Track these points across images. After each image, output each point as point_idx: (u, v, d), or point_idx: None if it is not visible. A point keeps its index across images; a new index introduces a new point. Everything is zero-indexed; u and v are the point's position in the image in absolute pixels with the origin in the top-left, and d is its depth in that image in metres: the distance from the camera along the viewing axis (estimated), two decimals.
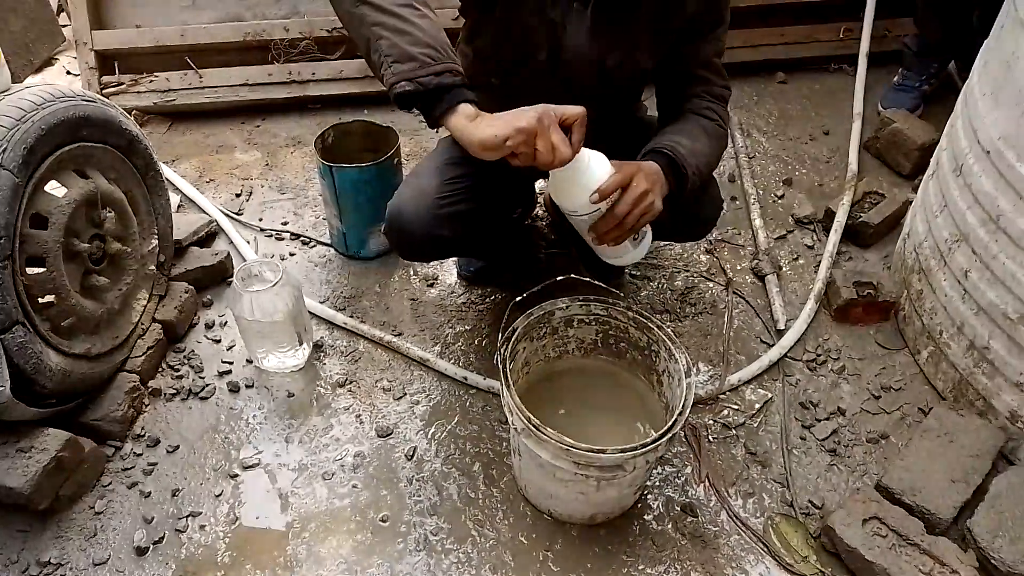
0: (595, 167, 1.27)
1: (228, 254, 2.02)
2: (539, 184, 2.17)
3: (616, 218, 1.29)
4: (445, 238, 1.52)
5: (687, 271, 2.08)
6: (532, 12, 1.39)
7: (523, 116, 1.15)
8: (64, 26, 2.93)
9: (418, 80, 1.15)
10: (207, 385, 1.76)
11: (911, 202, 2.10)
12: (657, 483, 1.59)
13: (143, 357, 1.72)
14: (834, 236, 2.10)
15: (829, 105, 2.69)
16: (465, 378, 1.77)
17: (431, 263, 2.08)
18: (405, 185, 1.58)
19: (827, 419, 1.71)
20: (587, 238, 1.39)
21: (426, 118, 1.22)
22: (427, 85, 1.16)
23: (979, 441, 1.56)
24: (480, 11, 1.46)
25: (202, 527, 1.51)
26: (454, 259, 2.05)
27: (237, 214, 2.23)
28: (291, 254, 2.13)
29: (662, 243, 2.16)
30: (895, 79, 2.62)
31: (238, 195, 2.31)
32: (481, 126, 1.17)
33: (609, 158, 1.41)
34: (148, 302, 1.79)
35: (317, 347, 1.85)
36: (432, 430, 1.69)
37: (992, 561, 1.38)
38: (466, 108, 1.19)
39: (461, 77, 1.19)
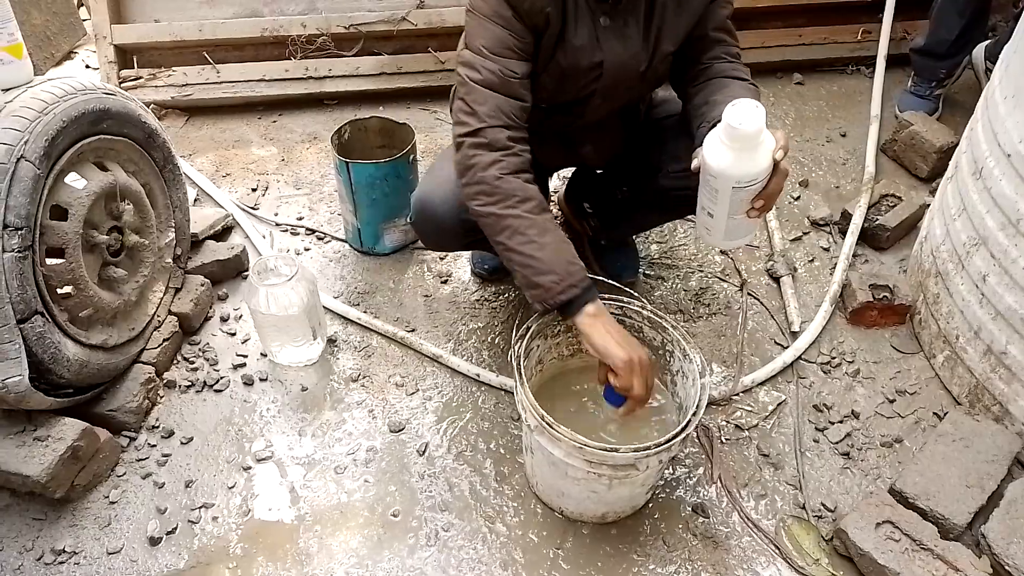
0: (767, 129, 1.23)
1: (244, 248, 2.03)
2: (553, 184, 2.17)
3: (786, 173, 1.29)
4: (472, 225, 1.53)
5: (701, 271, 2.07)
6: (569, 49, 1.41)
7: (635, 351, 1.33)
8: (84, 20, 2.96)
9: (547, 303, 1.35)
10: (221, 378, 1.77)
11: (928, 205, 2.08)
12: (669, 483, 1.59)
13: (159, 349, 1.74)
14: (850, 238, 2.09)
15: (846, 107, 2.67)
16: (478, 375, 1.78)
17: (445, 258, 2.09)
18: (429, 174, 1.59)
19: (841, 422, 1.70)
20: (742, 214, 1.33)
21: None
22: (555, 306, 1.35)
23: (995, 447, 1.55)
24: (541, 68, 1.46)
25: (215, 518, 1.52)
26: (468, 256, 2.06)
27: (253, 209, 2.24)
28: (306, 249, 2.14)
29: (677, 241, 2.15)
30: (909, 84, 2.60)
31: (254, 190, 2.33)
32: (601, 332, 1.34)
33: (626, 144, 1.42)
34: (164, 294, 1.81)
35: (331, 342, 1.86)
36: (444, 426, 1.69)
37: (1006, 567, 1.37)
38: (588, 308, 1.34)
39: (580, 288, 1.34)
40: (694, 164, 1.31)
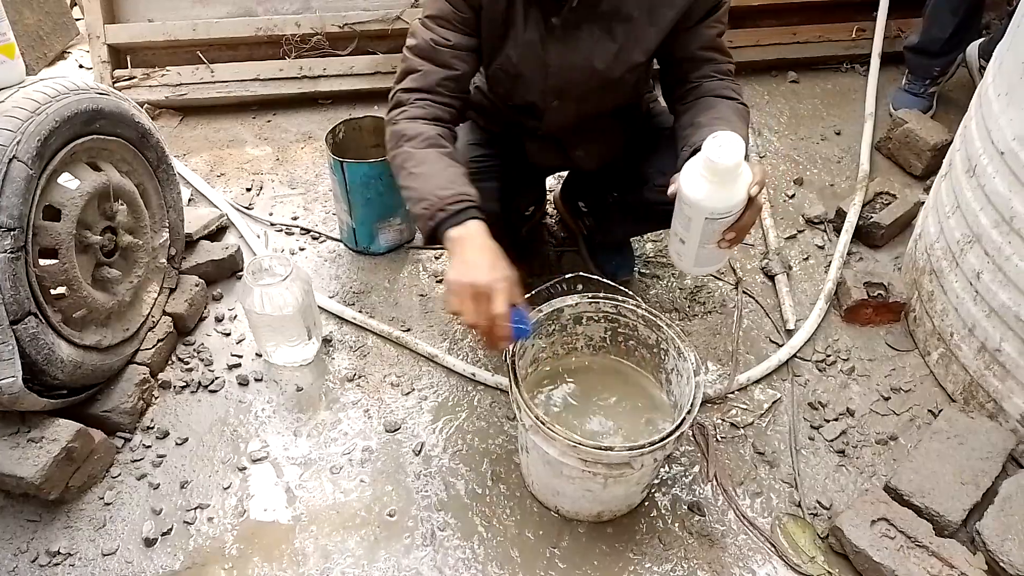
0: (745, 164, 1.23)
1: (238, 248, 2.02)
2: (550, 182, 2.17)
3: (759, 208, 1.29)
4: None
5: None
6: (512, 41, 1.43)
7: (480, 274, 1.23)
8: (78, 20, 2.95)
9: (424, 233, 1.33)
10: (216, 378, 1.76)
11: (923, 203, 2.09)
12: (665, 481, 1.59)
13: (153, 349, 1.73)
14: (845, 236, 2.09)
15: (841, 105, 2.67)
16: (473, 374, 1.78)
17: (440, 257, 2.08)
18: None
19: (836, 420, 1.71)
20: (713, 244, 1.32)
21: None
22: (428, 234, 1.32)
23: (989, 444, 1.55)
24: (491, 56, 1.49)
25: (210, 519, 1.52)
26: None
27: (247, 208, 2.24)
28: (301, 249, 2.13)
29: None
30: (903, 82, 2.61)
31: (248, 189, 2.32)
32: (452, 263, 1.27)
33: (621, 155, 1.41)
34: (158, 295, 1.80)
35: (326, 342, 1.86)
36: (440, 426, 1.69)
37: (1001, 564, 1.38)
38: (451, 232, 1.28)
39: (447, 212, 1.28)
40: (671, 190, 1.31)
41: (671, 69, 1.54)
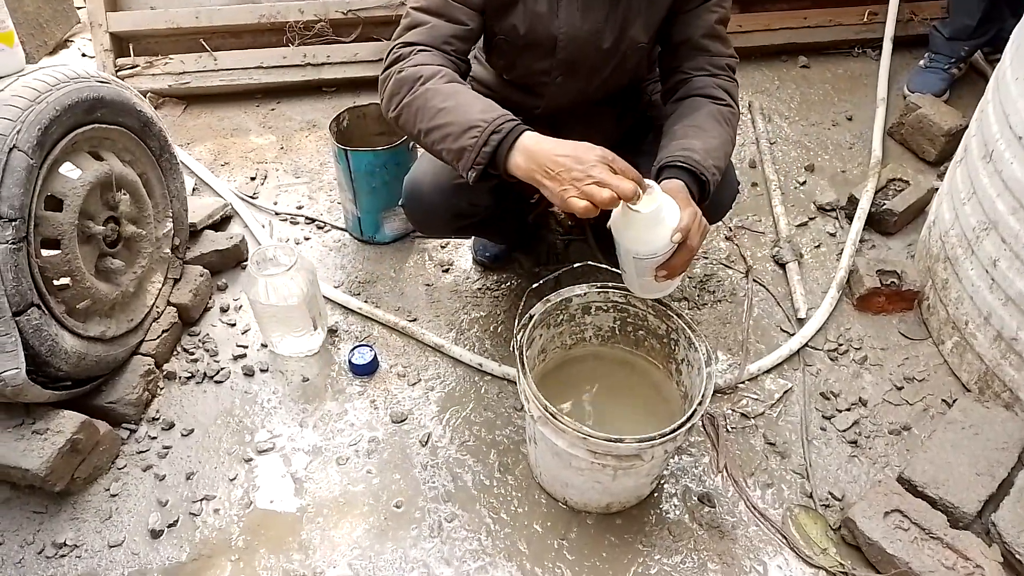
0: (671, 206, 1.22)
1: (243, 238, 2.01)
2: None
3: (692, 251, 1.25)
4: (464, 211, 1.50)
5: (706, 258, 2.04)
6: (529, 14, 1.39)
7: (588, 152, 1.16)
8: (79, 7, 2.92)
9: (476, 165, 1.20)
10: (222, 369, 1.75)
11: (936, 189, 2.05)
12: (674, 472, 1.57)
13: (158, 340, 1.72)
14: (857, 223, 2.06)
15: (852, 90, 2.63)
16: (480, 364, 1.76)
17: (446, 246, 2.06)
18: (423, 157, 1.57)
19: (848, 410, 1.68)
20: (648, 277, 1.31)
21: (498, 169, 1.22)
22: (484, 160, 1.19)
23: (1005, 434, 1.53)
24: (497, 26, 1.44)
25: (216, 511, 1.51)
26: (470, 244, 2.03)
27: (252, 198, 2.22)
28: (306, 238, 2.12)
29: None
30: (922, 62, 2.56)
31: (253, 178, 2.30)
32: (551, 154, 1.16)
33: (618, 146, 1.39)
34: (163, 285, 1.79)
35: (332, 332, 1.84)
36: (447, 416, 1.67)
37: (1017, 556, 1.36)
38: (519, 143, 1.19)
39: (504, 132, 1.18)
40: (610, 223, 1.26)
41: (666, 56, 1.51)
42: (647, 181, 1.19)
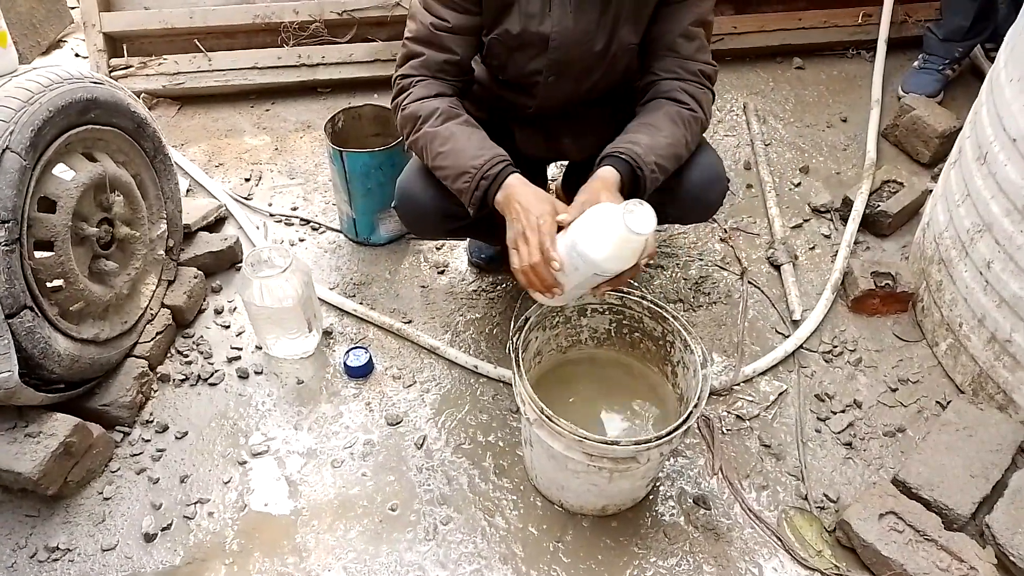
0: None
1: (237, 239, 2.00)
2: (551, 171, 2.15)
3: (640, 269, 1.28)
4: (455, 213, 1.50)
5: (701, 260, 2.05)
6: (521, 15, 1.40)
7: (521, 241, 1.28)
8: (72, 7, 2.91)
9: (472, 205, 1.36)
10: (216, 371, 1.74)
11: (930, 191, 2.06)
12: (670, 474, 1.57)
13: (152, 342, 1.71)
14: (851, 225, 2.07)
15: (847, 92, 2.64)
16: (476, 367, 1.76)
17: (442, 248, 2.06)
18: (415, 159, 1.56)
19: (843, 411, 1.69)
20: (587, 289, 1.31)
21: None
22: (478, 203, 1.35)
23: (999, 436, 1.53)
24: (491, 28, 1.45)
25: (210, 514, 1.50)
26: (465, 246, 2.03)
27: (246, 199, 2.21)
28: (300, 240, 2.11)
29: (674, 229, 2.13)
30: (916, 63, 2.57)
31: (247, 180, 2.29)
32: (511, 220, 1.32)
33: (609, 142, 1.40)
34: (157, 287, 1.78)
35: (327, 334, 1.84)
36: (442, 419, 1.67)
37: (1011, 557, 1.36)
38: (499, 194, 1.33)
39: (489, 179, 1.33)
40: (561, 218, 1.27)
41: (643, 55, 1.50)
42: (634, 200, 1.18)
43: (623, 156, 1.34)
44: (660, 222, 1.44)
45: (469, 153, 1.34)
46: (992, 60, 2.54)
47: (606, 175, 1.33)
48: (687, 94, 1.43)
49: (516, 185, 1.32)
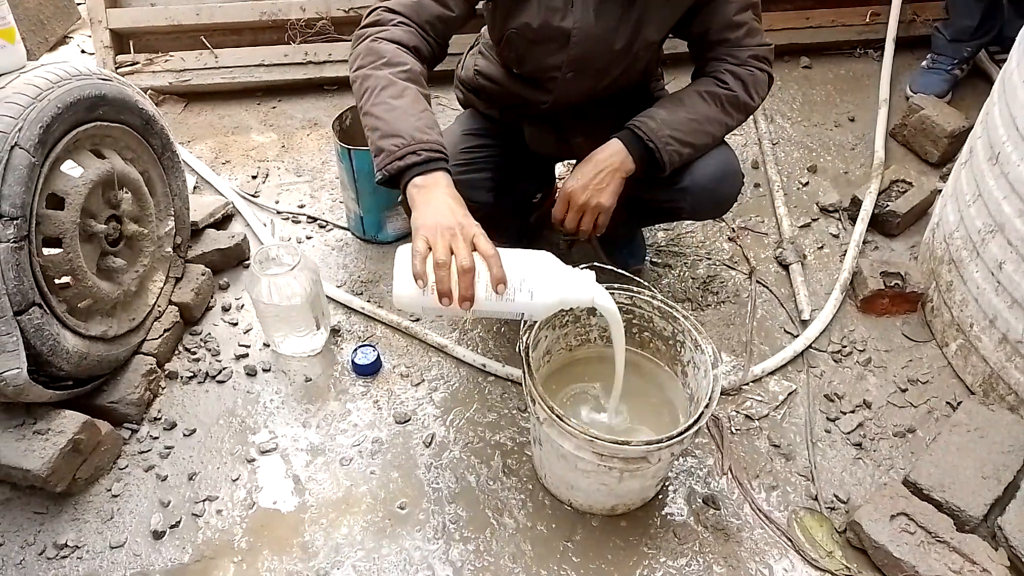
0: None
1: (245, 237, 1.99)
2: (559, 169, 2.14)
3: None
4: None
5: (709, 259, 2.04)
6: (542, 7, 1.38)
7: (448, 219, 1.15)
8: (79, 4, 2.91)
9: (384, 170, 1.22)
10: (224, 368, 1.74)
11: (939, 191, 2.05)
12: (679, 474, 1.57)
13: (160, 340, 1.71)
14: (860, 225, 2.06)
15: (855, 91, 2.63)
16: (484, 365, 1.75)
17: None
18: None
19: (852, 412, 1.68)
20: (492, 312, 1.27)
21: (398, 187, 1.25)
22: (389, 173, 1.22)
23: (1011, 437, 1.52)
24: (508, 19, 1.43)
25: (219, 511, 1.50)
26: None
27: (253, 196, 2.21)
28: (308, 237, 2.11)
29: (683, 228, 2.12)
30: (924, 63, 2.56)
31: (254, 177, 2.29)
32: (420, 209, 1.18)
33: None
34: (165, 284, 1.77)
35: (334, 332, 1.83)
36: (451, 417, 1.67)
37: (1023, 559, 1.35)
38: (417, 180, 1.20)
39: (421, 157, 1.20)
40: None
41: (692, 50, 1.51)
42: (580, 268, 1.22)
43: (633, 128, 1.34)
44: (674, 219, 1.43)
45: (415, 124, 1.21)
46: (996, 63, 2.55)
47: (611, 145, 1.32)
48: (730, 75, 1.43)
49: (451, 186, 1.21)
